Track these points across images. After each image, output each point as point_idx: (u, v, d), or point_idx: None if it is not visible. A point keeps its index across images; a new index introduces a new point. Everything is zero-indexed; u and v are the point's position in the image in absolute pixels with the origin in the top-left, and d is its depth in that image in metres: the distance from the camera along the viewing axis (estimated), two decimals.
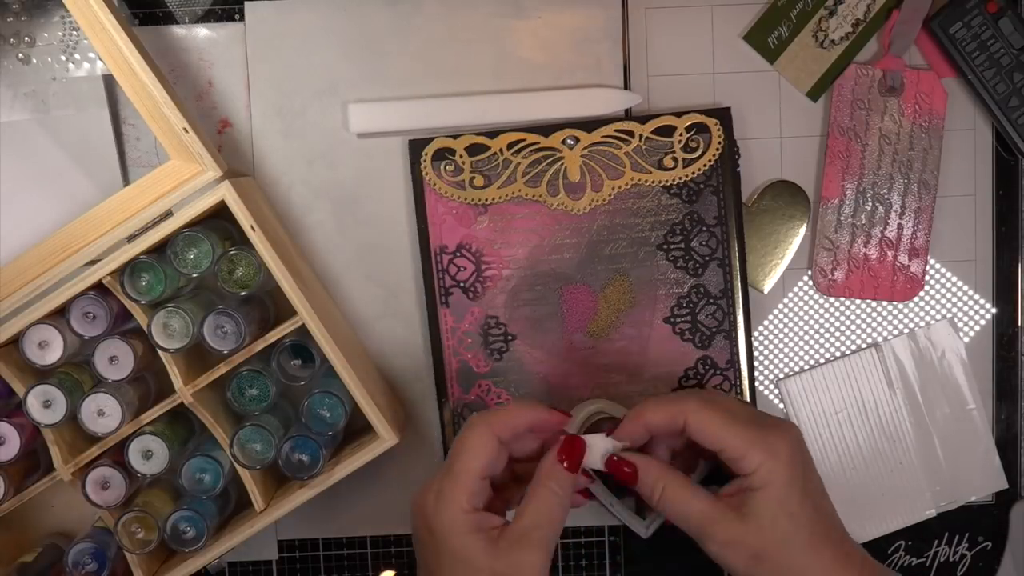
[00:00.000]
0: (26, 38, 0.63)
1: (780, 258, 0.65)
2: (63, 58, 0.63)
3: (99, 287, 0.58)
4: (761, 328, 0.66)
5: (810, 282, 0.66)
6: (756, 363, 0.65)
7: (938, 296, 0.66)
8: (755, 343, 0.65)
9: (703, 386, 0.64)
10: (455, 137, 0.62)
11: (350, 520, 0.66)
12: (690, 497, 0.52)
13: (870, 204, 0.64)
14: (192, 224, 0.58)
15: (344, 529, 0.66)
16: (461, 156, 0.63)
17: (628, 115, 0.64)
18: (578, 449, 0.53)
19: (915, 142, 0.64)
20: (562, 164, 0.63)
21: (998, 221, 0.66)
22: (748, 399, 0.65)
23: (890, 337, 0.66)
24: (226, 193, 0.57)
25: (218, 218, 0.60)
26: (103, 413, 0.58)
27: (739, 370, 0.64)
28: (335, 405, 0.59)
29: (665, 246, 0.64)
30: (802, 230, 0.65)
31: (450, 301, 0.64)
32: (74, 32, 0.63)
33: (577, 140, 0.63)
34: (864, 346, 0.66)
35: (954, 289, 0.66)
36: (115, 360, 0.58)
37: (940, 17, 0.62)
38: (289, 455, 0.59)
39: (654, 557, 0.67)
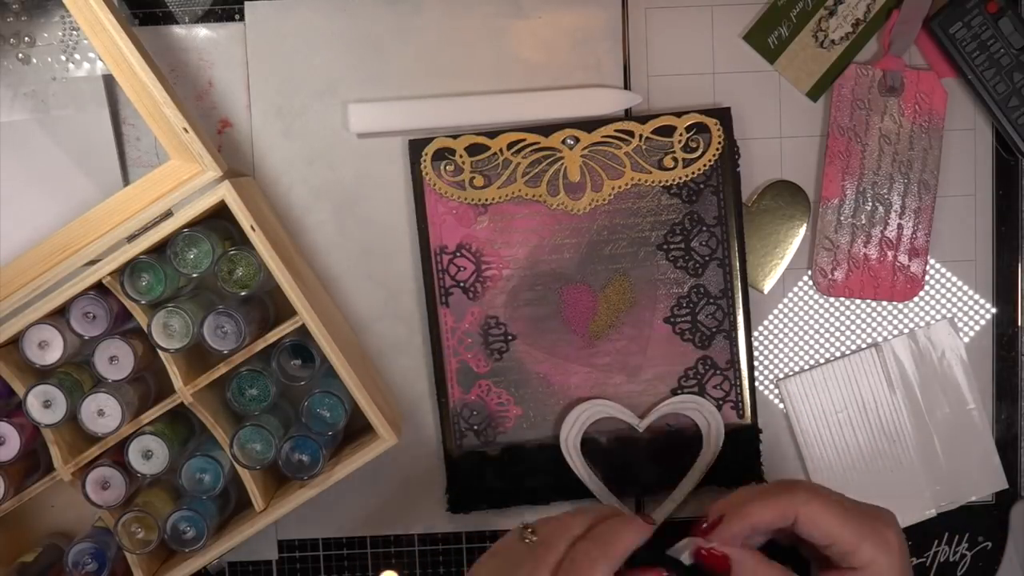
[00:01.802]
0: (26, 38, 0.63)
1: (780, 258, 0.65)
2: (63, 58, 0.63)
3: (99, 287, 0.58)
4: (761, 328, 0.66)
5: (810, 282, 0.66)
6: (756, 363, 0.65)
7: (938, 296, 0.66)
8: (755, 343, 0.65)
9: (703, 387, 0.64)
10: (455, 137, 0.62)
11: (350, 520, 0.66)
12: None
13: (870, 204, 0.64)
14: (192, 224, 0.58)
15: (344, 529, 0.66)
16: (461, 156, 0.63)
17: (628, 115, 0.64)
18: None
19: (915, 142, 0.64)
20: (562, 164, 0.63)
21: (998, 221, 0.66)
22: (748, 399, 0.65)
23: (890, 337, 0.66)
24: (226, 193, 0.57)
25: (218, 218, 0.60)
26: (103, 413, 0.58)
27: (739, 370, 0.64)
28: (335, 405, 0.59)
29: (665, 246, 0.64)
30: (802, 230, 0.65)
31: (450, 301, 0.64)
32: (74, 32, 0.63)
33: (577, 140, 0.63)
34: (864, 346, 0.66)
35: (954, 289, 0.66)
36: (115, 360, 0.58)
37: (940, 17, 0.62)
38: (289, 455, 0.59)
39: (654, 557, 0.67)
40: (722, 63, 0.64)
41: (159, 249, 0.58)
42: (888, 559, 0.50)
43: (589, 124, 0.63)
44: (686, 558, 0.51)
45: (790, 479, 0.57)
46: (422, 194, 0.63)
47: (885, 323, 0.66)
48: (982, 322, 0.66)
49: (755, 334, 0.66)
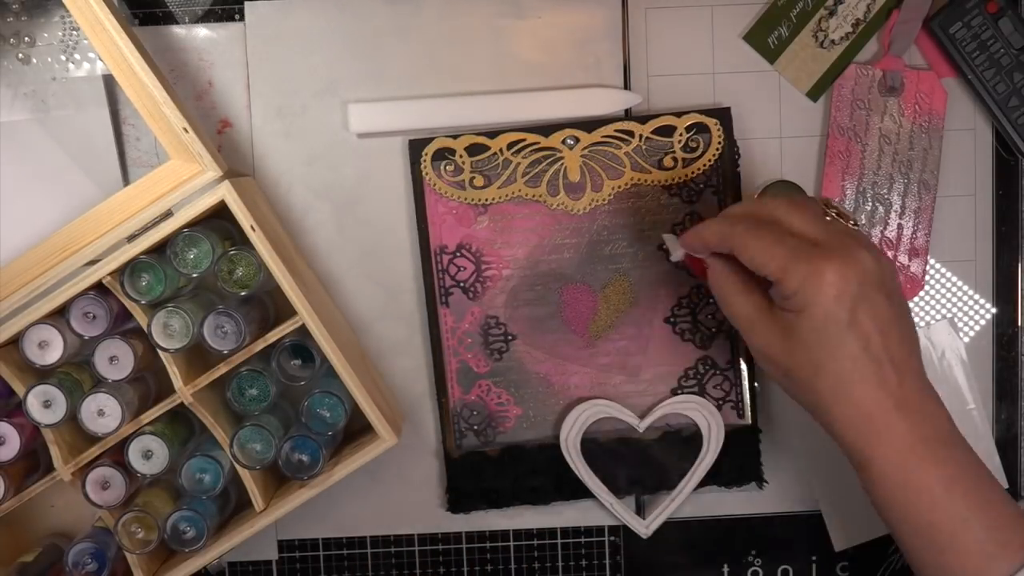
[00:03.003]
0: (26, 38, 0.63)
1: None
2: (63, 58, 0.63)
3: (99, 287, 0.58)
4: None
5: None
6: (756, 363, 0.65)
7: (938, 296, 0.66)
8: None
9: (703, 387, 0.64)
10: (455, 137, 0.62)
11: (350, 520, 0.66)
12: (741, 300, 0.53)
13: (870, 204, 0.64)
14: (192, 224, 0.58)
15: (344, 529, 0.66)
16: (461, 156, 0.63)
17: (628, 115, 0.64)
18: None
19: (915, 142, 0.64)
20: (562, 164, 0.63)
21: (998, 221, 0.66)
22: (748, 399, 0.65)
23: None
24: (226, 193, 0.57)
25: (218, 218, 0.60)
26: (103, 413, 0.58)
27: (739, 370, 0.64)
28: (335, 405, 0.59)
29: (665, 246, 0.64)
30: None
31: (450, 301, 0.64)
32: (74, 32, 0.63)
33: (577, 140, 0.63)
34: None
35: (954, 289, 0.66)
36: (115, 360, 0.58)
37: (940, 17, 0.62)
38: (289, 455, 0.59)
39: (654, 557, 0.67)
40: (722, 63, 0.64)
41: (159, 249, 0.58)
42: (814, 291, 0.49)
43: (589, 124, 0.63)
44: (676, 256, 0.58)
45: (763, 203, 0.55)
46: (422, 194, 0.63)
47: None
48: (982, 322, 0.66)
49: None
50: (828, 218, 0.52)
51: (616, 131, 0.63)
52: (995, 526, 0.49)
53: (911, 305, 0.66)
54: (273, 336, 0.58)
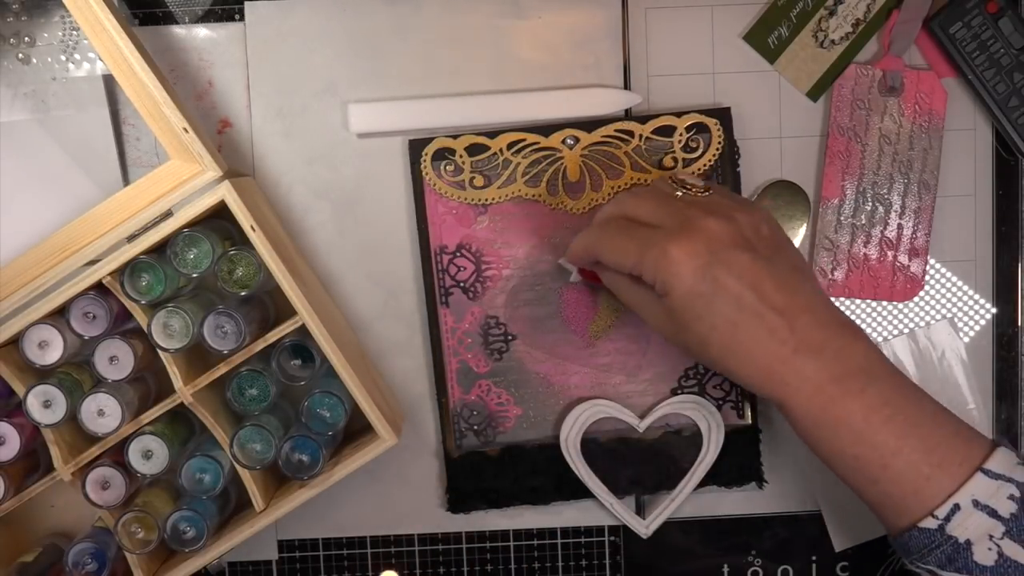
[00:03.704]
0: (26, 38, 0.63)
1: None
2: (63, 58, 0.63)
3: (99, 287, 0.58)
4: None
5: None
6: None
7: (938, 296, 0.66)
8: None
9: (703, 387, 0.64)
10: (455, 137, 0.62)
11: (350, 520, 0.66)
12: (631, 294, 0.54)
13: (870, 204, 0.64)
14: (192, 224, 0.58)
15: (344, 529, 0.66)
16: (461, 156, 0.63)
17: (628, 115, 0.64)
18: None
19: (915, 142, 0.64)
20: (562, 164, 0.63)
21: (998, 221, 0.66)
22: (748, 399, 0.65)
23: (890, 337, 0.66)
24: (226, 193, 0.57)
25: (218, 218, 0.60)
26: (103, 413, 0.58)
27: None
28: (335, 405, 0.59)
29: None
30: (802, 230, 0.65)
31: (450, 301, 0.64)
32: (74, 32, 0.63)
33: (577, 140, 0.63)
34: None
35: (954, 289, 0.66)
36: (115, 360, 0.58)
37: (940, 17, 0.62)
38: (289, 455, 0.59)
39: (654, 557, 0.67)
40: (722, 63, 0.64)
41: (159, 249, 0.58)
42: (666, 275, 0.49)
43: (589, 124, 0.63)
44: (575, 277, 0.63)
45: (615, 200, 0.56)
46: (422, 194, 0.63)
47: (885, 323, 0.66)
48: (982, 322, 0.66)
49: None
50: (679, 193, 0.53)
51: (616, 131, 0.63)
52: (927, 448, 0.49)
53: (911, 305, 0.66)
54: (273, 336, 0.58)
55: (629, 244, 0.51)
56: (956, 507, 0.48)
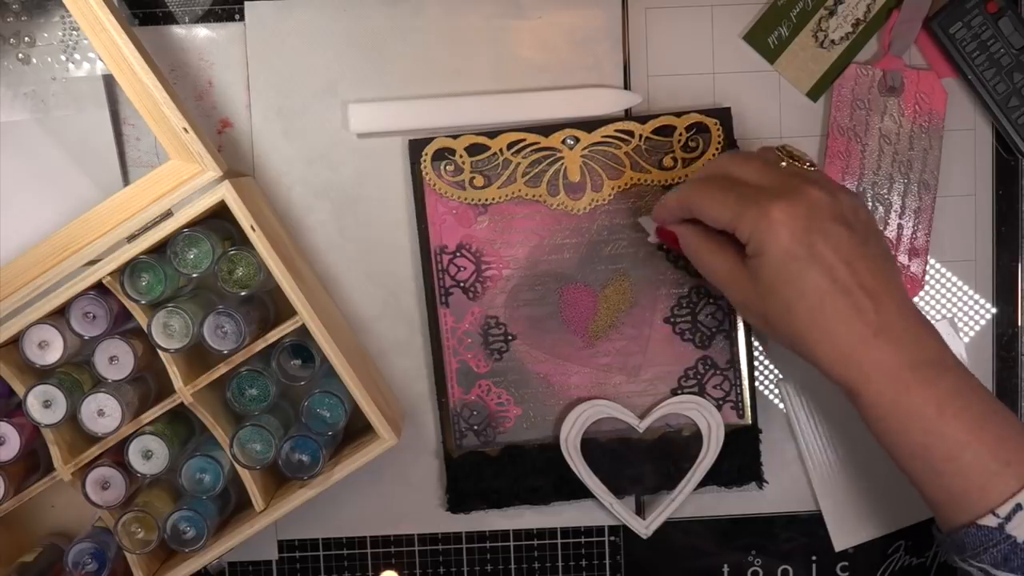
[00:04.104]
0: (26, 38, 0.63)
1: None
2: (63, 58, 0.63)
3: (99, 287, 0.58)
4: None
5: None
6: (756, 363, 0.65)
7: (938, 296, 0.66)
8: (755, 343, 0.65)
9: (703, 387, 0.64)
10: (455, 137, 0.62)
11: (350, 520, 0.66)
12: (713, 258, 0.54)
13: (870, 204, 0.64)
14: (192, 224, 0.58)
15: (344, 529, 0.66)
16: (461, 156, 0.63)
17: (628, 115, 0.64)
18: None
19: (915, 142, 0.64)
20: (562, 164, 0.63)
21: (998, 221, 0.66)
22: (748, 399, 0.65)
23: None
24: (226, 193, 0.57)
25: (218, 218, 0.60)
26: (103, 413, 0.58)
27: (739, 370, 0.64)
28: (335, 405, 0.59)
29: (665, 246, 0.64)
30: None
31: (450, 301, 0.64)
32: (74, 32, 0.63)
33: (577, 140, 0.63)
34: None
35: (954, 289, 0.66)
36: (115, 360, 0.58)
37: (940, 17, 0.62)
38: (289, 455, 0.59)
39: (654, 557, 0.67)
40: (722, 63, 0.64)
41: (159, 249, 0.58)
42: (766, 233, 0.49)
43: (589, 124, 0.63)
44: (652, 238, 0.62)
45: (715, 160, 0.56)
46: (422, 194, 0.63)
47: None
48: (982, 322, 0.66)
49: (755, 334, 0.65)
50: (783, 163, 0.53)
51: (616, 131, 0.63)
52: (996, 444, 0.49)
53: None
54: (273, 336, 0.58)
55: (729, 198, 0.51)
56: (1018, 506, 0.48)
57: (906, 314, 0.50)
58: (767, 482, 0.66)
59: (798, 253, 0.49)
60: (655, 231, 0.62)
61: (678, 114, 0.63)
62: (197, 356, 0.61)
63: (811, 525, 0.66)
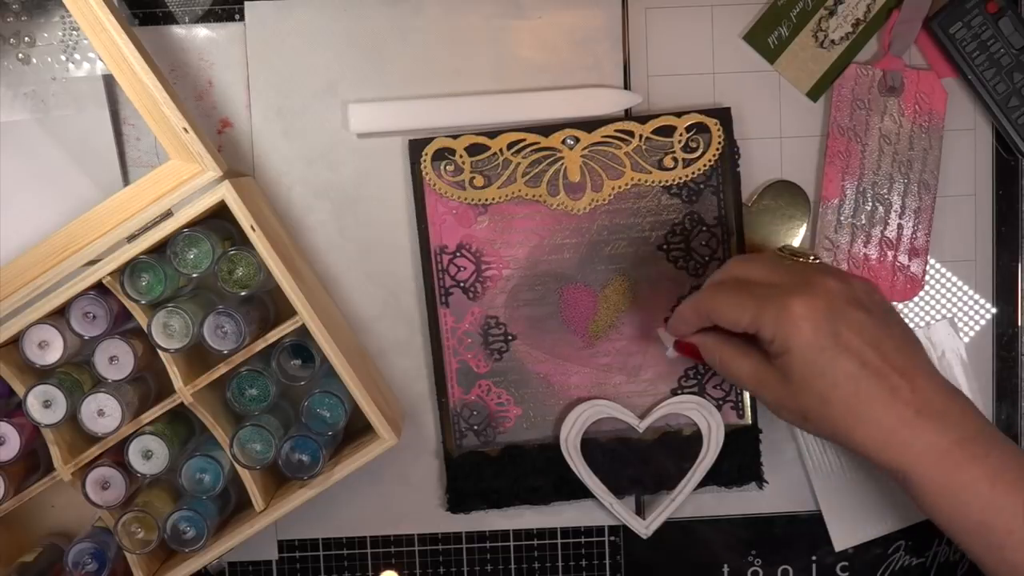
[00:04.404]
0: (26, 38, 0.63)
1: None
2: (63, 58, 0.63)
3: (99, 287, 0.58)
4: None
5: None
6: None
7: (938, 296, 0.66)
8: None
9: (703, 387, 0.64)
10: (455, 137, 0.62)
11: (350, 520, 0.66)
12: (739, 363, 0.54)
13: (870, 204, 0.64)
14: (192, 224, 0.58)
15: (344, 529, 0.66)
16: (461, 156, 0.63)
17: (628, 115, 0.64)
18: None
19: (915, 142, 0.64)
20: (562, 164, 0.63)
21: (998, 221, 0.66)
22: (748, 399, 0.65)
23: None
24: (226, 193, 0.57)
25: (218, 218, 0.60)
26: (103, 413, 0.58)
27: None
28: (335, 405, 0.59)
29: (665, 246, 0.64)
30: (802, 230, 0.65)
31: (450, 301, 0.64)
32: (74, 32, 0.63)
33: (577, 140, 0.63)
34: None
35: (954, 289, 0.66)
36: (115, 360, 0.58)
37: (940, 17, 0.62)
38: (289, 455, 0.59)
39: (654, 557, 0.67)
40: (722, 63, 0.64)
41: (159, 249, 0.58)
42: (788, 330, 0.49)
43: (589, 124, 0.63)
44: (671, 352, 0.63)
45: (722, 268, 0.56)
46: (422, 194, 0.63)
47: None
48: (982, 322, 0.66)
49: None
50: (787, 262, 0.53)
51: (616, 131, 0.63)
52: None
53: (911, 305, 0.66)
54: (273, 336, 0.58)
55: (747, 300, 0.51)
56: None
57: (942, 389, 0.50)
58: (767, 482, 0.66)
59: (824, 344, 0.49)
60: (673, 344, 0.62)
61: (678, 114, 0.63)
62: (197, 356, 0.61)
63: (811, 525, 0.66)
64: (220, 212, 0.58)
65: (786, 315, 0.49)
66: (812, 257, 0.54)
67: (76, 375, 0.59)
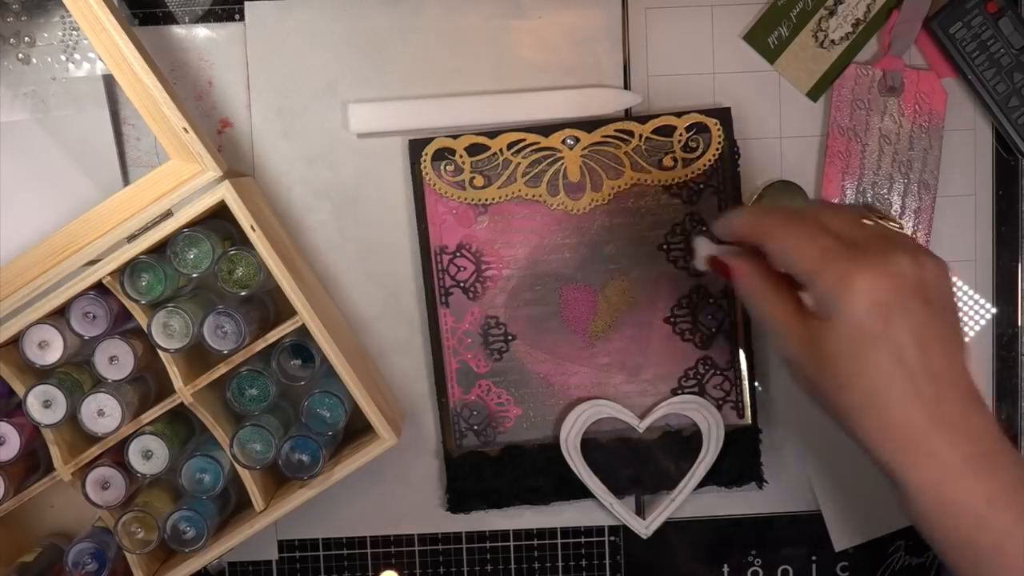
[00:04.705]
0: (26, 38, 0.63)
1: None
2: (63, 58, 0.63)
3: (99, 287, 0.58)
4: None
5: None
6: (756, 363, 0.65)
7: None
8: (755, 343, 0.65)
9: (703, 387, 0.64)
10: (455, 137, 0.62)
11: (350, 520, 0.66)
12: (773, 302, 0.50)
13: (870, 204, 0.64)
14: (192, 224, 0.58)
15: (344, 529, 0.66)
16: (461, 156, 0.63)
17: (628, 115, 0.64)
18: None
19: (915, 142, 0.64)
20: (562, 164, 0.63)
21: (998, 221, 0.66)
22: (748, 399, 0.65)
23: None
24: (226, 193, 0.57)
25: (218, 218, 0.60)
26: (103, 413, 0.58)
27: (739, 370, 0.64)
28: (335, 405, 0.59)
29: (665, 246, 0.64)
30: None
31: (450, 301, 0.64)
32: (74, 32, 0.63)
33: (577, 140, 0.63)
34: None
35: (954, 289, 0.66)
36: (115, 360, 0.58)
37: (940, 17, 0.62)
38: (289, 455, 0.59)
39: (654, 557, 0.67)
40: (722, 63, 0.64)
41: (159, 249, 0.58)
42: (844, 300, 0.45)
43: (589, 124, 0.63)
44: (701, 263, 0.56)
45: (803, 208, 0.51)
46: (422, 194, 0.63)
47: None
48: (982, 322, 0.66)
49: (755, 334, 0.65)
50: (870, 223, 0.50)
51: (616, 131, 0.63)
52: None
53: None
54: (273, 336, 0.58)
55: (813, 246, 0.47)
56: None
57: (965, 401, 0.47)
58: (767, 482, 0.66)
59: (872, 328, 0.46)
60: (706, 259, 0.56)
61: (678, 114, 0.63)
62: (197, 356, 0.61)
63: (811, 525, 0.66)
64: (220, 212, 0.58)
65: (847, 281, 0.45)
66: (896, 224, 0.50)
67: (76, 375, 0.59)
